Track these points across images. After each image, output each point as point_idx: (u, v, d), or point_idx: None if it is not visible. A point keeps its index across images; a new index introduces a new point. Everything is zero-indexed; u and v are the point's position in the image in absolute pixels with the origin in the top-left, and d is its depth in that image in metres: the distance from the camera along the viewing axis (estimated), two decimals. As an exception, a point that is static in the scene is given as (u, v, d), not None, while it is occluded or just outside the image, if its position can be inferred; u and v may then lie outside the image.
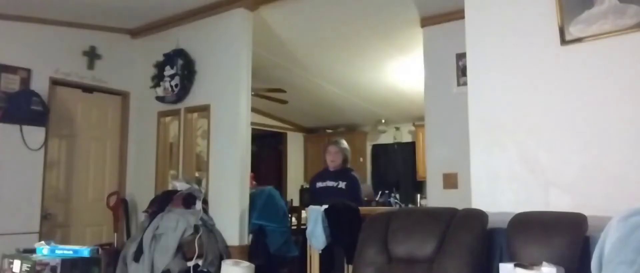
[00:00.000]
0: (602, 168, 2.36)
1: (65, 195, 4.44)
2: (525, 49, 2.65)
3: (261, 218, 4.42)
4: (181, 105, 4.52)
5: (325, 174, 4.05)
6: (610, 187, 2.31)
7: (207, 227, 3.84)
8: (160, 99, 4.60)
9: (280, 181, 8.30)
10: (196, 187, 4.15)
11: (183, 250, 3.64)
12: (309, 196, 4.07)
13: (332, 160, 4.00)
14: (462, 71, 3.99)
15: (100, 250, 2.37)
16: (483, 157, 2.74)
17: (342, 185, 3.88)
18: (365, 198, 6.69)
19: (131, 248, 3.77)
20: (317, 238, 4.40)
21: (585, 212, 2.22)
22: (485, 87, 2.77)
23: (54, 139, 4.35)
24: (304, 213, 5.28)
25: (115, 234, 4.54)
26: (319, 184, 3.97)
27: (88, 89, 4.62)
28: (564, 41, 2.49)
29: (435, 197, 4.26)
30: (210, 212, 4.08)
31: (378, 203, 7.05)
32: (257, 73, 4.43)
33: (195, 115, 4.48)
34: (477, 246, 2.33)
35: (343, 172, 4.02)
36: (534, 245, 2.16)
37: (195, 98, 4.44)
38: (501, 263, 2.13)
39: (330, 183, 3.90)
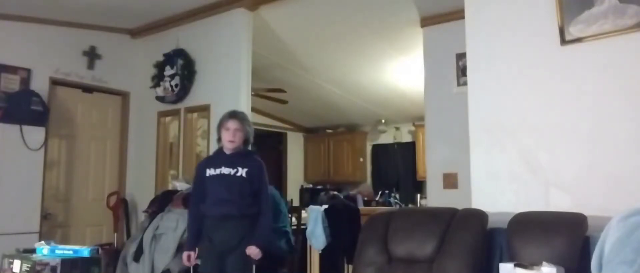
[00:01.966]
0: (602, 168, 2.36)
1: (65, 195, 4.44)
2: (525, 49, 2.65)
3: (261, 218, 4.41)
4: (181, 105, 4.52)
5: (218, 158, 2.89)
6: (610, 187, 2.31)
7: (206, 227, 3.82)
8: (160, 99, 4.60)
9: (280, 181, 8.29)
10: (196, 187, 4.14)
11: (183, 250, 3.64)
12: (194, 186, 2.96)
13: (231, 140, 2.81)
14: (462, 71, 3.99)
15: (100, 250, 2.37)
16: (483, 157, 2.74)
17: (242, 172, 2.80)
18: (365, 198, 6.71)
19: (131, 248, 3.77)
20: (317, 238, 4.41)
21: (585, 212, 2.22)
22: (485, 87, 2.77)
23: (54, 139, 4.35)
24: (304, 213, 5.28)
25: (115, 234, 4.54)
26: (211, 172, 2.84)
27: (88, 89, 4.62)
28: (564, 41, 2.49)
29: (435, 197, 4.26)
30: (210, 212, 4.06)
31: (378, 203, 7.06)
32: (257, 73, 4.43)
33: (195, 115, 4.48)
34: (477, 246, 2.33)
35: (244, 156, 2.88)
36: (534, 245, 2.16)
37: (195, 98, 4.44)
38: (501, 263, 2.13)
39: (226, 171, 2.80)
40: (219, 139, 2.91)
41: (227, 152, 2.86)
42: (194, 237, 2.84)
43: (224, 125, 2.84)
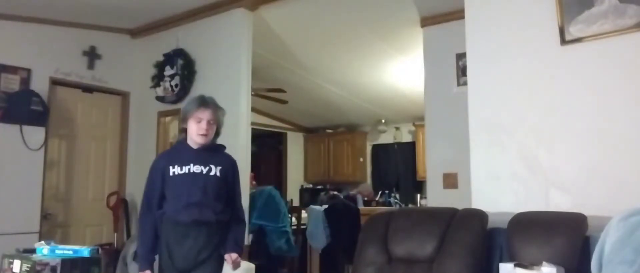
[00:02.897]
0: (602, 168, 2.36)
1: (65, 195, 4.44)
2: (525, 49, 2.65)
3: (261, 218, 4.42)
4: (181, 105, 4.51)
5: (183, 154, 2.39)
6: (610, 187, 2.31)
7: (206, 227, 3.81)
8: (160, 98, 4.60)
9: (280, 181, 8.29)
10: (196, 187, 4.14)
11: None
12: (150, 187, 2.41)
13: (204, 134, 2.34)
14: (462, 71, 3.98)
15: (100, 250, 2.37)
16: (483, 157, 2.74)
17: (215, 171, 2.35)
18: (365, 198, 6.72)
19: (131, 248, 3.76)
20: (317, 238, 4.41)
21: (585, 212, 2.22)
22: (485, 87, 2.77)
23: (54, 139, 4.34)
24: (304, 213, 5.28)
25: (115, 234, 4.54)
26: (175, 170, 2.33)
27: (88, 89, 4.62)
28: (564, 41, 2.49)
29: (435, 197, 4.26)
30: (210, 212, 4.06)
31: (378, 203, 7.06)
32: (257, 73, 4.43)
33: (195, 115, 4.47)
34: (477, 246, 2.33)
35: (215, 152, 2.44)
36: (534, 245, 2.16)
37: (195, 98, 4.43)
38: (501, 263, 2.13)
39: (196, 169, 2.33)
40: (183, 130, 2.42)
41: (195, 146, 2.38)
42: (149, 251, 2.32)
43: (193, 114, 2.34)
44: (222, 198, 2.37)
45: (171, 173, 2.34)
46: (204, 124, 2.35)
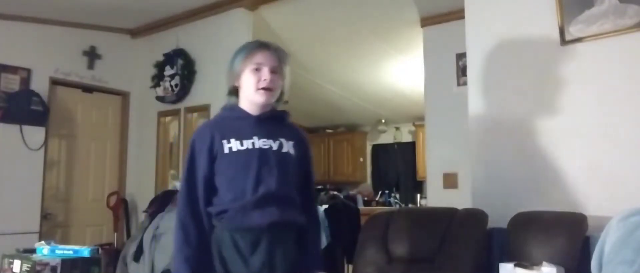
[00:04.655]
0: (602, 168, 2.36)
1: (65, 195, 4.44)
2: (525, 48, 2.65)
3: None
4: (181, 105, 4.52)
5: (242, 122, 1.65)
6: (610, 187, 2.31)
7: (207, 227, 3.79)
8: (160, 98, 4.60)
9: (280, 181, 8.29)
10: (196, 187, 4.13)
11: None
12: (190, 173, 1.61)
13: (268, 86, 1.63)
14: (462, 71, 3.99)
15: (100, 250, 2.37)
16: (483, 157, 2.73)
17: (288, 147, 1.64)
18: (365, 198, 6.72)
19: (131, 248, 3.76)
20: (317, 238, 4.39)
21: (585, 212, 2.22)
22: (485, 87, 2.77)
23: (54, 139, 4.34)
24: (304, 213, 5.27)
25: (115, 234, 4.54)
26: (234, 145, 1.58)
27: (88, 89, 4.62)
28: (564, 41, 2.49)
29: (435, 197, 4.26)
30: (210, 212, 4.06)
31: (378, 203, 7.06)
32: (257, 73, 4.43)
33: (195, 115, 4.47)
34: (477, 246, 2.33)
35: (282, 120, 1.74)
36: (534, 245, 2.16)
37: (195, 98, 4.43)
38: (501, 263, 2.13)
39: (263, 143, 1.59)
40: (233, 91, 1.70)
41: (254, 111, 1.64)
42: (195, 264, 1.54)
43: (249, 60, 1.63)
44: (299, 188, 1.65)
45: (226, 150, 1.56)
46: (266, 72, 1.61)
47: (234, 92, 1.70)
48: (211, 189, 1.59)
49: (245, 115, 1.65)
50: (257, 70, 1.62)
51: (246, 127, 1.61)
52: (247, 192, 1.53)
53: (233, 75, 1.69)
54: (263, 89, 1.61)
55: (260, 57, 1.63)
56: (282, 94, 1.72)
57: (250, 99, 1.65)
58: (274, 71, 1.64)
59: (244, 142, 1.57)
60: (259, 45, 1.66)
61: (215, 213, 1.56)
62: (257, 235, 1.52)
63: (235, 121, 1.65)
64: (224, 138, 1.58)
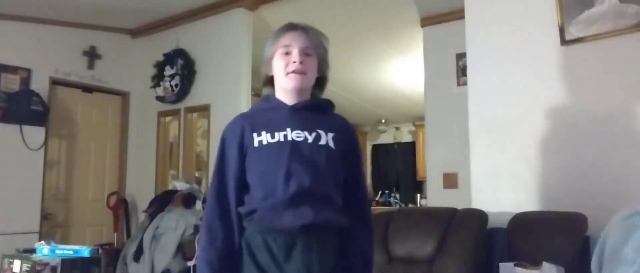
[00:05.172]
0: (602, 168, 2.36)
1: (65, 195, 4.44)
2: (525, 48, 2.65)
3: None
4: (181, 105, 4.52)
5: (275, 113, 1.49)
6: (611, 187, 2.31)
7: (206, 227, 3.79)
8: (160, 98, 4.60)
9: (280, 181, 8.29)
10: (196, 187, 4.14)
11: (183, 250, 3.63)
12: (221, 171, 1.45)
13: (298, 69, 1.46)
14: (462, 71, 3.99)
15: (100, 250, 2.37)
16: (483, 157, 2.74)
17: (327, 139, 1.45)
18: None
19: (131, 248, 3.77)
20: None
21: (585, 212, 2.22)
22: (485, 87, 2.77)
23: (54, 139, 4.34)
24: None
25: (115, 234, 4.54)
26: (265, 138, 1.43)
27: (88, 89, 4.62)
28: (564, 41, 2.49)
29: (435, 197, 4.26)
30: (210, 212, 4.06)
31: (378, 203, 7.06)
32: (257, 73, 4.42)
33: (195, 115, 4.48)
34: (477, 246, 2.33)
35: (322, 109, 1.57)
36: (534, 245, 2.16)
37: (195, 98, 4.44)
38: (501, 263, 2.13)
39: (297, 136, 1.43)
40: (268, 81, 1.55)
41: (289, 100, 1.49)
42: (218, 268, 1.39)
43: (278, 43, 1.49)
44: (340, 186, 1.45)
45: (256, 144, 1.42)
46: (296, 54, 1.46)
47: (269, 81, 1.55)
48: (243, 187, 1.43)
49: (279, 105, 1.49)
50: (287, 53, 1.47)
51: (279, 118, 1.45)
52: (278, 190, 1.37)
53: (265, 63, 1.54)
54: (293, 72, 1.44)
55: (288, 38, 1.48)
56: (323, 79, 1.58)
57: (282, 85, 1.49)
58: (305, 53, 1.47)
59: (276, 134, 1.42)
60: (288, 27, 1.52)
61: (245, 213, 1.41)
62: (291, 237, 1.36)
63: (268, 112, 1.50)
64: (254, 131, 1.44)
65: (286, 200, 1.36)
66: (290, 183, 1.36)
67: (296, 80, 1.45)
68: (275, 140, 1.41)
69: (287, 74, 1.45)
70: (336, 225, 1.42)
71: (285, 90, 1.48)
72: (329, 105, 1.58)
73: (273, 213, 1.36)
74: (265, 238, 1.37)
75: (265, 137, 1.42)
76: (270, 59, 1.50)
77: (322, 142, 1.43)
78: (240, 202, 1.43)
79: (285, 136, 1.41)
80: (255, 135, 1.43)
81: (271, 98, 1.52)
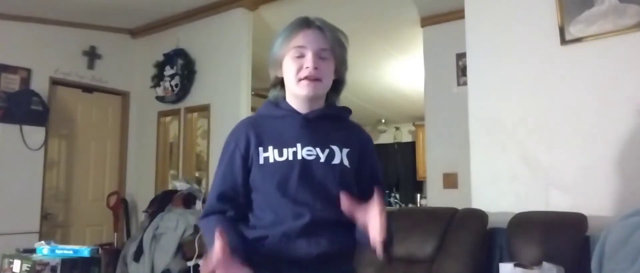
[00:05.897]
0: (602, 168, 2.36)
1: (65, 195, 4.44)
2: (525, 48, 2.65)
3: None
4: (181, 105, 4.52)
5: (284, 123, 1.33)
6: (610, 187, 2.31)
7: (206, 227, 3.79)
8: (160, 98, 4.60)
9: (280, 181, 8.28)
10: (196, 187, 4.14)
11: (183, 250, 3.64)
12: (220, 179, 1.33)
13: (311, 75, 1.28)
14: (462, 71, 3.99)
15: (100, 250, 2.37)
16: (483, 157, 2.74)
17: (341, 156, 1.31)
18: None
19: (131, 248, 3.77)
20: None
21: (585, 212, 2.22)
22: (485, 87, 2.77)
23: (54, 139, 4.34)
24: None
25: (115, 234, 4.54)
26: (271, 155, 1.28)
27: (88, 89, 4.61)
28: (564, 41, 2.49)
29: (435, 197, 4.26)
30: (210, 212, 4.06)
31: (378, 203, 7.05)
32: (257, 73, 4.43)
33: (195, 115, 4.48)
34: (477, 246, 2.33)
35: (337, 119, 1.42)
36: (534, 245, 2.16)
37: (195, 98, 4.44)
38: (501, 263, 2.13)
39: (308, 154, 1.27)
40: (277, 83, 1.38)
41: (301, 108, 1.33)
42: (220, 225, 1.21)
43: (289, 43, 1.32)
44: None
45: (262, 161, 1.28)
46: (309, 58, 1.28)
47: (279, 83, 1.37)
48: (245, 204, 1.31)
49: (290, 112, 1.32)
50: (300, 56, 1.29)
51: (289, 130, 1.30)
52: (288, 217, 1.24)
53: (274, 64, 1.35)
54: (306, 78, 1.27)
55: (301, 39, 1.30)
56: (340, 83, 1.39)
57: (293, 92, 1.32)
58: (320, 56, 1.29)
59: (284, 151, 1.27)
60: (301, 24, 1.35)
61: (252, 239, 1.26)
62: (306, 267, 1.24)
63: (277, 121, 1.33)
64: (260, 145, 1.29)
65: (298, 229, 1.23)
66: (301, 212, 1.24)
67: (309, 88, 1.28)
68: (284, 158, 1.26)
69: (299, 80, 1.28)
70: (352, 252, 1.34)
71: (297, 97, 1.32)
72: (345, 113, 1.43)
73: (286, 243, 1.24)
74: (277, 266, 1.25)
75: (272, 154, 1.27)
76: (281, 60, 1.33)
77: (336, 160, 1.29)
78: (242, 217, 1.31)
79: (295, 154, 1.26)
80: (261, 149, 1.29)
81: (281, 103, 1.36)
